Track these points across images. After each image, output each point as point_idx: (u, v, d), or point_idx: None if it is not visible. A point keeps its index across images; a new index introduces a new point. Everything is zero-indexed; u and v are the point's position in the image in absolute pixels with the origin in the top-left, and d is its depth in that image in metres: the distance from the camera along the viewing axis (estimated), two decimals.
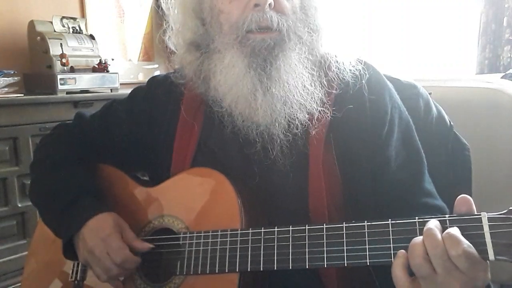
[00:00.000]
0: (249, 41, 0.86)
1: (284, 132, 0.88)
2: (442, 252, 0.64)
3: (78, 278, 0.98)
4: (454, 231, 0.64)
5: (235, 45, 0.88)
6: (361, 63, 0.93)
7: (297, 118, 0.87)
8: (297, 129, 0.87)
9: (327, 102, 0.90)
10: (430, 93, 1.13)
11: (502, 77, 1.53)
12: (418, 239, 0.67)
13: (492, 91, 1.32)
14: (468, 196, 0.69)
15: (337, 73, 0.91)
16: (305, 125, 0.88)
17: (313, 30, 0.91)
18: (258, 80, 0.86)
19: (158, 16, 3.21)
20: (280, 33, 0.86)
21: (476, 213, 0.67)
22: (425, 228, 0.66)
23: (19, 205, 2.13)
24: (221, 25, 0.90)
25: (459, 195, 0.71)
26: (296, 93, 0.87)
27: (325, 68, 0.92)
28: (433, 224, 0.67)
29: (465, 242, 0.63)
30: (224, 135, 0.93)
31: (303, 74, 0.88)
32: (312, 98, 0.88)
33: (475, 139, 1.17)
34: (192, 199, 0.91)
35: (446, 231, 0.65)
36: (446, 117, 1.12)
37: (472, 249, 0.63)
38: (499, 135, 1.29)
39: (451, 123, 1.11)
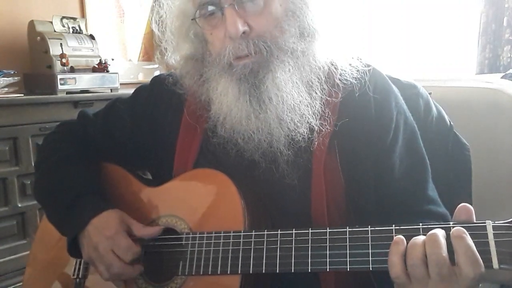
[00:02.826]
0: (234, 70, 0.85)
1: (287, 147, 0.87)
2: (442, 260, 0.64)
3: (80, 275, 0.99)
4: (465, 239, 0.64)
5: (223, 74, 0.87)
6: (365, 66, 0.92)
7: (298, 132, 0.86)
8: (299, 143, 0.87)
9: (330, 110, 0.89)
10: (430, 93, 1.13)
11: (502, 77, 1.53)
12: (419, 239, 0.67)
13: (492, 91, 1.32)
14: (469, 206, 0.69)
15: (339, 78, 0.90)
16: (308, 137, 0.87)
17: (305, 35, 0.88)
18: (250, 105, 0.85)
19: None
20: (261, 55, 0.84)
21: (479, 221, 0.67)
22: (429, 232, 0.66)
23: (19, 205, 2.13)
24: (210, 54, 0.91)
25: (459, 195, 0.71)
26: (291, 110, 0.86)
27: (326, 73, 0.90)
28: (438, 230, 0.66)
29: (479, 260, 0.63)
30: (228, 161, 0.92)
31: (297, 88, 0.86)
32: (311, 110, 0.87)
33: (475, 139, 1.16)
34: (195, 199, 0.91)
35: (454, 234, 0.65)
36: (446, 117, 1.12)
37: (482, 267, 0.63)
38: (499, 135, 1.29)
39: (451, 123, 1.11)
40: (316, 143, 0.87)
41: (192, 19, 0.90)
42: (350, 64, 0.91)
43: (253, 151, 0.88)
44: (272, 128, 0.86)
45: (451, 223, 0.68)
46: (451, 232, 0.65)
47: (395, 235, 0.70)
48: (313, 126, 0.87)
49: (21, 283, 1.11)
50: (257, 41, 0.84)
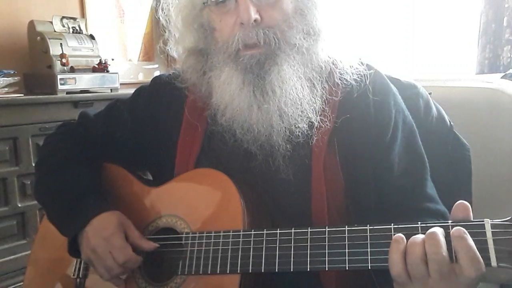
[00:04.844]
0: (240, 59, 0.86)
1: (285, 141, 0.88)
2: (442, 259, 0.64)
3: (80, 275, 0.99)
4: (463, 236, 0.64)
5: (229, 63, 0.88)
6: (365, 66, 0.93)
7: (298, 127, 0.87)
8: (298, 138, 0.88)
9: (330, 108, 0.89)
10: (430, 93, 1.13)
11: (502, 77, 1.52)
12: (418, 238, 0.67)
13: (492, 91, 1.32)
14: (467, 203, 0.69)
15: (340, 78, 0.91)
16: (307, 133, 0.88)
17: (311, 33, 0.89)
18: (253, 95, 0.86)
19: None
20: (269, 46, 0.86)
21: (477, 219, 0.67)
22: (428, 231, 0.67)
23: (19, 205, 2.13)
24: (216, 42, 0.91)
25: (459, 195, 0.71)
26: (293, 104, 0.86)
27: (328, 72, 0.91)
28: (437, 229, 0.67)
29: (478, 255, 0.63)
30: (226, 151, 0.93)
31: (300, 84, 0.87)
32: (311, 106, 0.88)
33: (475, 139, 1.16)
34: (195, 199, 0.91)
35: (453, 232, 0.65)
36: (446, 117, 1.12)
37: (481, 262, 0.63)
38: (499, 135, 1.29)
39: (451, 123, 1.11)
40: (315, 139, 0.88)
41: (204, 3, 0.90)
42: (351, 66, 0.92)
43: (251, 143, 0.89)
44: (273, 121, 0.87)
45: (449, 221, 0.69)
46: (451, 232, 0.65)
47: (394, 234, 0.70)
48: (312, 122, 0.88)
49: (21, 283, 1.12)
50: (268, 31, 0.85)
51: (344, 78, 0.91)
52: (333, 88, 0.91)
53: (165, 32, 1.00)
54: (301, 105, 0.87)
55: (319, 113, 0.88)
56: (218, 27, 0.90)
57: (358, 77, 0.91)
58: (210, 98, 0.93)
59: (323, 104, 0.89)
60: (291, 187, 0.89)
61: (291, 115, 0.87)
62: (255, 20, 0.84)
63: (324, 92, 0.90)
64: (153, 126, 1.03)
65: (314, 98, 0.88)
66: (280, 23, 0.87)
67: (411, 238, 0.67)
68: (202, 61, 0.94)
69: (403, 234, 0.69)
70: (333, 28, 0.91)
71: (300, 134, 0.87)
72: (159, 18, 1.01)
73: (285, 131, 0.87)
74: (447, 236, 0.66)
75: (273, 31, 0.86)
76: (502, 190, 1.28)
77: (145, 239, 0.91)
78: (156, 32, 3.24)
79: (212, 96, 0.92)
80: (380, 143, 0.91)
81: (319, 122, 0.88)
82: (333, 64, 0.92)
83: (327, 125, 0.88)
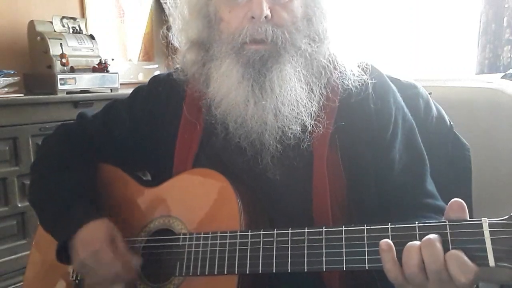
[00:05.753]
0: (244, 52, 0.86)
1: (276, 141, 0.88)
2: (440, 265, 0.64)
3: (78, 277, 0.98)
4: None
5: (231, 54, 0.88)
6: (365, 67, 0.93)
7: (291, 129, 0.87)
8: (289, 140, 0.88)
9: (326, 114, 0.90)
10: (430, 93, 1.13)
11: (502, 77, 1.53)
12: (414, 246, 0.67)
13: (492, 91, 1.32)
14: (462, 201, 0.68)
15: (341, 81, 0.91)
16: (299, 136, 0.88)
17: (316, 40, 0.90)
18: (251, 91, 0.86)
19: (158, 15, 3.21)
20: (275, 45, 0.86)
21: (475, 218, 0.67)
22: (424, 239, 0.67)
23: (19, 205, 2.13)
24: (221, 33, 0.91)
25: (459, 195, 0.70)
26: (290, 105, 0.87)
27: (327, 78, 0.91)
28: (433, 236, 0.67)
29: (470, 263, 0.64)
30: (220, 146, 0.93)
31: (299, 86, 0.87)
32: (307, 110, 0.88)
33: (475, 139, 1.17)
34: (192, 200, 0.91)
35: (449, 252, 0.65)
36: (446, 117, 1.12)
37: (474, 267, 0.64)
38: (499, 135, 1.29)
39: (451, 123, 1.11)
40: (306, 143, 0.88)
41: None
42: (353, 74, 0.92)
43: (242, 138, 0.89)
44: (268, 118, 0.87)
45: (447, 221, 0.68)
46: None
47: (391, 234, 0.70)
48: (306, 126, 0.88)
49: (21, 283, 1.12)
50: (276, 29, 0.86)
51: (346, 83, 0.91)
52: (331, 94, 0.91)
53: (169, 18, 1.00)
54: (297, 107, 0.87)
55: (314, 117, 0.88)
56: (226, 18, 0.90)
57: (359, 84, 0.91)
58: (207, 89, 0.93)
59: (319, 110, 0.89)
60: (278, 187, 0.90)
61: (286, 116, 0.87)
62: (265, 16, 0.84)
63: (321, 97, 0.90)
64: (151, 125, 1.03)
65: (311, 103, 0.88)
66: (288, 24, 0.87)
67: (406, 247, 0.67)
68: (203, 52, 0.94)
69: (400, 234, 0.69)
70: (338, 36, 0.92)
71: (292, 136, 0.88)
72: (153, 29, 1.00)
73: (277, 130, 0.87)
74: (444, 236, 0.66)
75: (281, 30, 0.86)
76: (502, 190, 1.28)
77: (129, 254, 0.89)
78: (156, 32, 3.24)
79: (210, 86, 0.92)
80: (381, 141, 0.92)
81: (312, 127, 0.88)
82: (334, 68, 0.92)
83: (320, 130, 0.88)
